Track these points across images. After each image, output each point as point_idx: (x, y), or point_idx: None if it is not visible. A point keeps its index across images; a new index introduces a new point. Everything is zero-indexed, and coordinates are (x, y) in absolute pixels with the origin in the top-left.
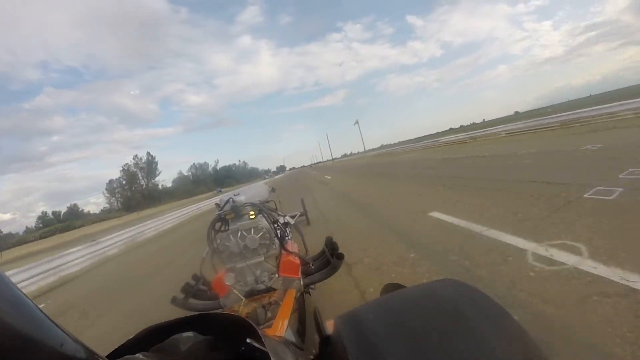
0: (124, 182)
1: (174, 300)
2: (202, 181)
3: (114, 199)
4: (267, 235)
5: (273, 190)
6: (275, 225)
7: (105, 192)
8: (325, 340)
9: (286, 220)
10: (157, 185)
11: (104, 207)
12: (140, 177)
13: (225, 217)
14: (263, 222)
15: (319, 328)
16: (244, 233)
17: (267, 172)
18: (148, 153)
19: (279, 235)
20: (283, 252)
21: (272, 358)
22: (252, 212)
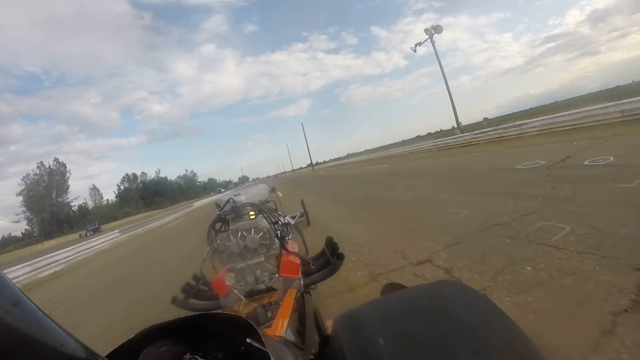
0: (29, 199)
1: (174, 301)
2: (131, 199)
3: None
4: (268, 235)
5: (273, 190)
6: (276, 226)
7: (25, 210)
8: (325, 340)
9: (286, 221)
10: (69, 204)
11: (25, 230)
12: (44, 192)
13: (226, 218)
14: (263, 222)
15: (319, 328)
16: (244, 233)
17: (227, 183)
18: (56, 159)
19: (279, 236)
20: (283, 252)
21: (272, 358)
22: (252, 212)
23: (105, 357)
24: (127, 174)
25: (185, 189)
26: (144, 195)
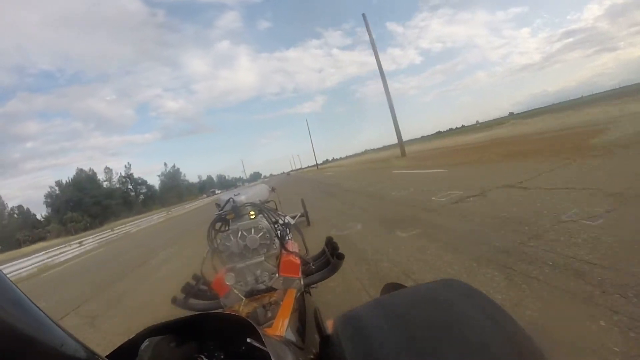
0: None
1: (174, 301)
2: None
3: None
4: (268, 235)
5: (273, 190)
6: (276, 225)
7: None
8: (326, 340)
9: (286, 221)
10: None
11: None
12: None
13: (226, 217)
14: (263, 222)
15: (320, 328)
16: (244, 233)
17: (237, 180)
18: None
19: (279, 235)
20: (283, 252)
21: (272, 357)
22: (252, 212)
23: (105, 357)
24: (79, 169)
25: (161, 193)
26: (59, 208)
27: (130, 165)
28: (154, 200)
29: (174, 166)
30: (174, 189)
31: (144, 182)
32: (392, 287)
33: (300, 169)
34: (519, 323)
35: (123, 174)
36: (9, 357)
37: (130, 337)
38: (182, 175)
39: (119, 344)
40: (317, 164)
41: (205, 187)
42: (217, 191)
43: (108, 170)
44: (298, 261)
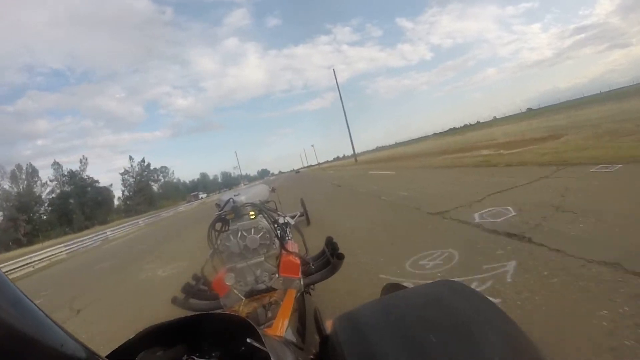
0: None
1: (174, 301)
2: None
3: None
4: (268, 235)
5: (273, 190)
6: (276, 225)
7: None
8: (325, 340)
9: (286, 221)
10: None
11: None
12: None
13: (226, 218)
14: (263, 222)
15: (319, 328)
16: (244, 233)
17: (243, 178)
18: None
19: (279, 235)
20: (283, 252)
21: (272, 358)
22: (252, 212)
23: (105, 357)
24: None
25: (127, 198)
26: None
27: (86, 159)
28: (109, 209)
29: (142, 161)
30: (141, 193)
31: (91, 183)
32: (392, 288)
33: (311, 166)
34: (516, 323)
35: (77, 169)
36: (9, 357)
37: (130, 338)
38: (170, 172)
39: (118, 345)
40: (355, 156)
41: (197, 187)
42: (202, 195)
43: (57, 167)
44: (298, 261)
